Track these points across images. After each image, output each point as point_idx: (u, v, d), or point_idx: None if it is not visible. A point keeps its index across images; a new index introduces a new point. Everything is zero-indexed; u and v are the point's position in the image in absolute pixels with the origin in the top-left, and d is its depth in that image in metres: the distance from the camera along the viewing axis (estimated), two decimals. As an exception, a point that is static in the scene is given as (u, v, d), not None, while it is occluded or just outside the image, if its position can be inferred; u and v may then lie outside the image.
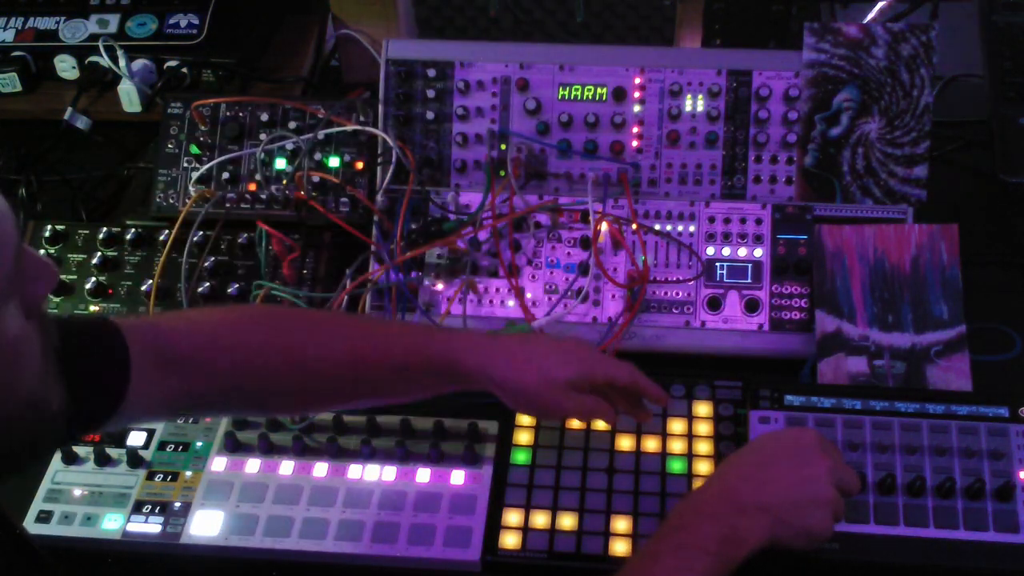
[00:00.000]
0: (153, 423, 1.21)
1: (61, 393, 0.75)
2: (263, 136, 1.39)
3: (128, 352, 0.92)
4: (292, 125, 1.39)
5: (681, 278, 1.31)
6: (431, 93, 1.37)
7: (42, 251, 1.38)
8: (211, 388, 0.98)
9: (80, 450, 1.19)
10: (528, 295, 1.32)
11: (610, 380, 1.06)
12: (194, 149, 1.40)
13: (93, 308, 1.35)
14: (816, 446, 0.99)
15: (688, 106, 1.35)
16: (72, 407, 0.77)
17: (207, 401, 1.01)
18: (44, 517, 1.14)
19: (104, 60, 1.55)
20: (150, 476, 1.17)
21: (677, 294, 1.31)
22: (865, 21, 1.62)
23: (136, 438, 1.21)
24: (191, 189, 1.38)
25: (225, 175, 1.38)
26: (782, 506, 0.95)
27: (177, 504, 1.15)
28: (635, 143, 1.35)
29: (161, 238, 1.38)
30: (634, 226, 1.33)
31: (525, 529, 1.11)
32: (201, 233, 1.36)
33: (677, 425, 1.18)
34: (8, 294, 0.67)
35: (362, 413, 1.22)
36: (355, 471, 1.17)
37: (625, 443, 1.17)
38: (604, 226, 1.32)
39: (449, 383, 1.07)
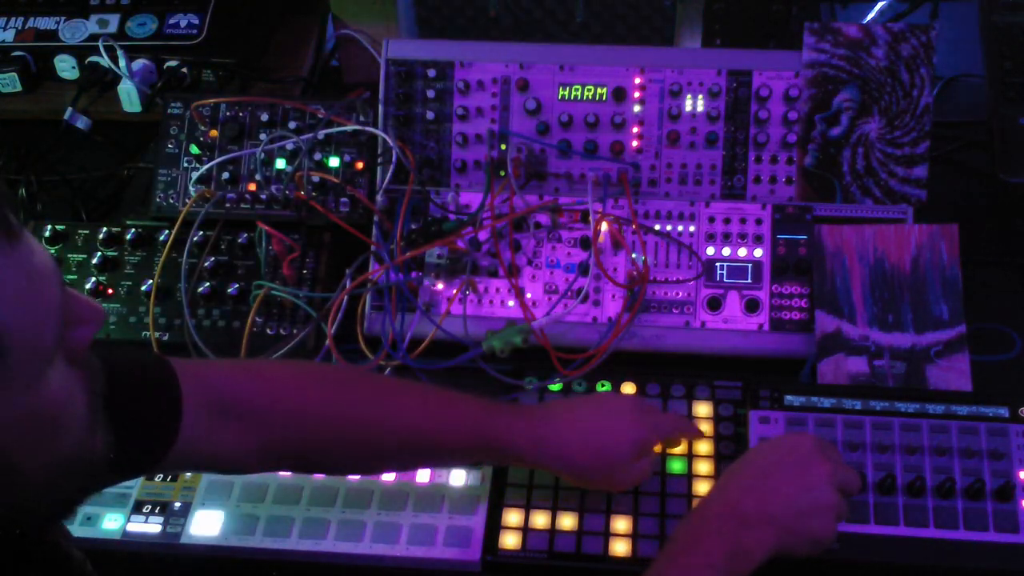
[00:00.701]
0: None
1: (107, 440, 0.72)
2: (263, 136, 1.39)
3: (181, 397, 0.89)
4: (292, 125, 1.39)
5: (681, 278, 1.31)
6: (431, 93, 1.37)
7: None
8: (267, 444, 0.96)
9: (80, 450, 1.19)
10: (528, 295, 1.32)
11: (661, 440, 1.11)
12: (194, 149, 1.40)
13: (93, 308, 1.34)
14: (815, 451, 0.99)
15: (688, 106, 1.35)
16: (119, 450, 0.74)
17: (260, 457, 0.98)
18: (44, 517, 1.14)
19: (104, 60, 1.55)
20: (150, 476, 1.17)
21: (677, 294, 1.31)
22: (865, 21, 1.62)
23: (136, 438, 1.21)
24: (191, 189, 1.38)
25: (225, 175, 1.38)
26: (786, 516, 0.95)
27: (177, 504, 1.15)
28: (635, 143, 1.35)
29: (161, 238, 1.38)
30: (634, 226, 1.33)
31: (525, 529, 1.11)
32: (201, 233, 1.36)
33: (677, 425, 1.18)
34: (53, 354, 0.64)
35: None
36: (355, 471, 1.17)
37: (625, 443, 1.17)
38: (604, 226, 1.32)
39: (502, 462, 1.11)
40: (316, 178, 1.37)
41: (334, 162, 1.38)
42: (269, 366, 1.08)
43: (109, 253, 1.38)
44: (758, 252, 1.32)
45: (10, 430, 0.62)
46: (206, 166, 1.38)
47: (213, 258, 1.36)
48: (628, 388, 1.22)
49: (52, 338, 0.63)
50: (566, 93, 1.35)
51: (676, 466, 1.15)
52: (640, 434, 1.06)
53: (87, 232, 1.40)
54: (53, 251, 1.39)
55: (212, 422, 0.92)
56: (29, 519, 0.71)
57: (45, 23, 1.61)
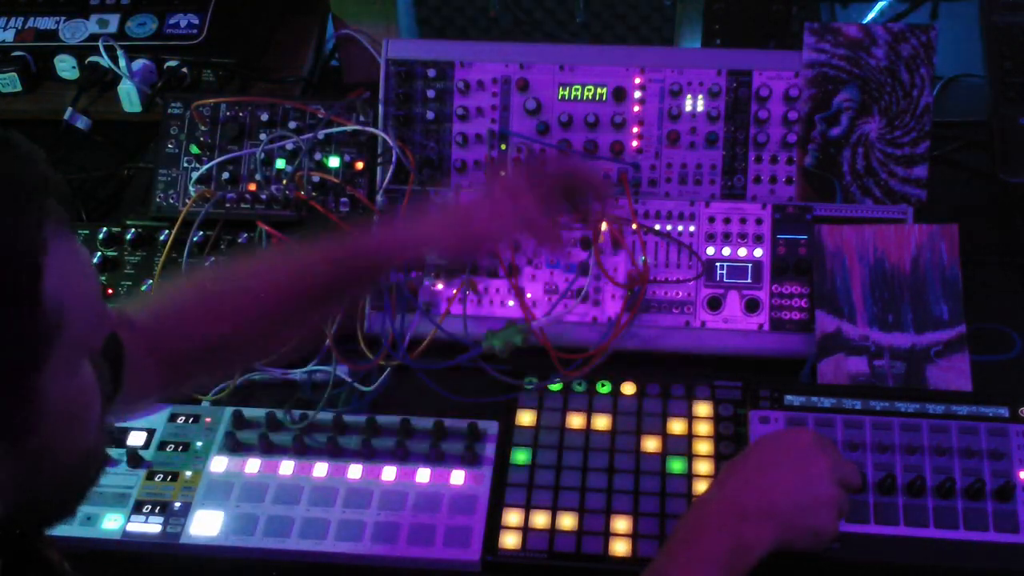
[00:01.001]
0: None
1: (108, 439, 0.74)
2: (263, 136, 1.39)
3: (123, 354, 0.89)
4: (292, 125, 1.39)
5: (681, 278, 1.31)
6: (431, 93, 1.37)
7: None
8: (169, 362, 0.97)
9: (80, 450, 1.19)
10: (528, 295, 1.32)
11: (558, 183, 1.05)
12: (194, 149, 1.40)
13: (93, 308, 1.35)
14: (814, 446, 0.99)
15: (688, 106, 1.35)
16: None
17: (165, 380, 0.99)
18: (44, 517, 1.14)
19: (104, 60, 1.55)
20: (150, 476, 1.17)
21: (677, 294, 1.31)
22: (865, 21, 1.62)
23: (136, 438, 1.21)
24: (191, 189, 1.38)
25: (225, 175, 1.38)
26: (786, 510, 0.95)
27: (177, 504, 1.15)
28: (635, 143, 1.35)
29: (161, 238, 1.38)
30: (634, 226, 1.33)
31: (525, 529, 1.11)
32: (201, 233, 1.36)
33: (677, 425, 1.18)
34: (91, 342, 0.66)
35: (362, 413, 1.22)
36: (355, 471, 1.17)
37: (625, 443, 1.17)
38: (604, 226, 1.32)
39: (377, 264, 1.07)
40: (316, 178, 1.37)
41: (334, 162, 1.38)
42: (158, 292, 1.08)
43: (109, 253, 1.38)
44: (758, 252, 1.32)
45: (57, 404, 0.64)
46: (206, 166, 1.38)
47: (213, 258, 1.36)
48: (628, 388, 1.22)
49: (94, 324, 0.66)
50: (566, 93, 1.35)
51: (676, 466, 1.15)
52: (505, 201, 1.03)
53: (87, 232, 1.40)
54: (53, 251, 1.38)
55: (136, 364, 0.93)
56: (40, 516, 0.72)
57: (45, 23, 1.61)
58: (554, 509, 1.12)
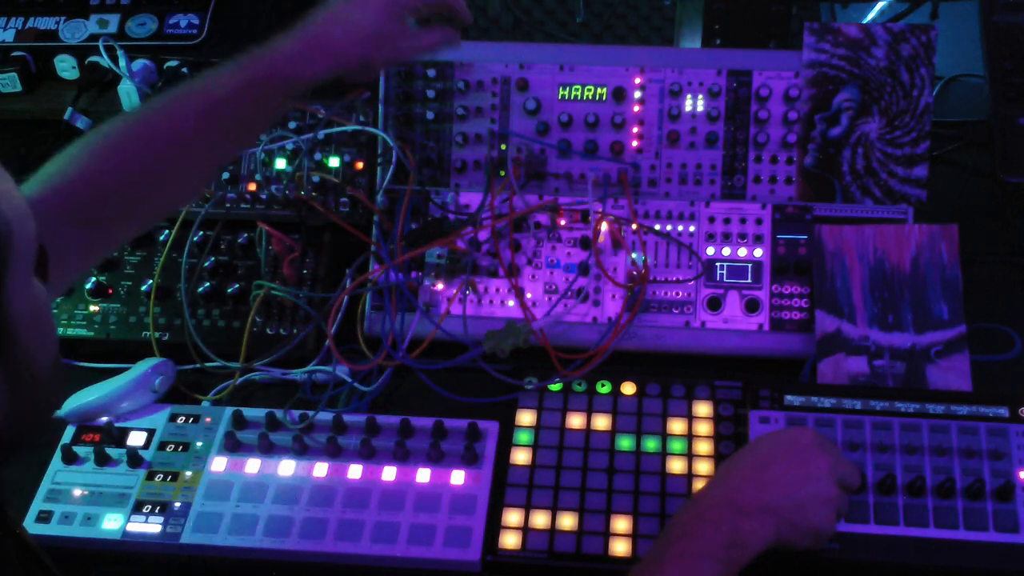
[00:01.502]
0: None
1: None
2: (263, 136, 1.39)
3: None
4: (292, 125, 1.39)
5: (681, 278, 1.31)
6: (431, 93, 1.37)
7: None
8: (89, 222, 0.97)
9: (80, 450, 1.19)
10: (528, 295, 1.32)
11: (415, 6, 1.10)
12: (194, 149, 1.40)
13: (93, 308, 1.35)
14: (815, 444, 0.99)
15: (688, 106, 1.35)
16: None
17: (94, 236, 0.99)
18: (44, 517, 1.14)
19: (104, 60, 1.55)
20: (150, 476, 1.17)
21: (677, 294, 1.31)
22: (865, 21, 1.62)
23: (136, 438, 1.21)
24: (191, 189, 1.38)
25: (225, 175, 1.38)
26: (785, 506, 0.95)
27: (177, 504, 1.15)
28: (635, 143, 1.35)
29: (161, 238, 1.38)
30: (634, 226, 1.33)
31: (525, 529, 1.11)
32: (201, 233, 1.36)
33: (677, 425, 1.18)
34: (32, 253, 0.68)
35: (362, 413, 1.22)
36: (355, 471, 1.17)
37: (625, 443, 1.17)
38: (604, 226, 1.32)
39: (279, 89, 1.09)
40: (316, 178, 1.37)
41: (334, 162, 1.38)
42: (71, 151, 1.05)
43: (109, 253, 1.38)
44: (758, 252, 1.32)
45: (25, 314, 0.66)
46: (206, 166, 1.38)
47: (213, 258, 1.36)
48: (628, 388, 1.22)
49: (33, 233, 0.67)
50: (566, 93, 1.35)
51: (676, 466, 1.15)
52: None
53: (87, 232, 1.40)
54: (53, 251, 1.38)
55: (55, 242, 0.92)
56: (29, 429, 0.74)
57: (45, 23, 1.61)
58: (554, 509, 1.12)
